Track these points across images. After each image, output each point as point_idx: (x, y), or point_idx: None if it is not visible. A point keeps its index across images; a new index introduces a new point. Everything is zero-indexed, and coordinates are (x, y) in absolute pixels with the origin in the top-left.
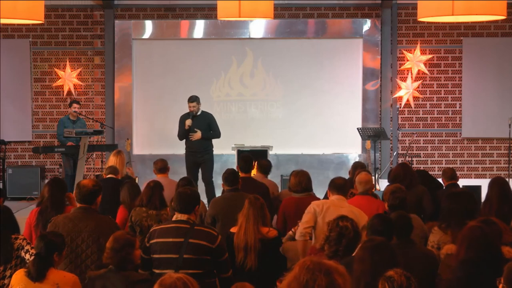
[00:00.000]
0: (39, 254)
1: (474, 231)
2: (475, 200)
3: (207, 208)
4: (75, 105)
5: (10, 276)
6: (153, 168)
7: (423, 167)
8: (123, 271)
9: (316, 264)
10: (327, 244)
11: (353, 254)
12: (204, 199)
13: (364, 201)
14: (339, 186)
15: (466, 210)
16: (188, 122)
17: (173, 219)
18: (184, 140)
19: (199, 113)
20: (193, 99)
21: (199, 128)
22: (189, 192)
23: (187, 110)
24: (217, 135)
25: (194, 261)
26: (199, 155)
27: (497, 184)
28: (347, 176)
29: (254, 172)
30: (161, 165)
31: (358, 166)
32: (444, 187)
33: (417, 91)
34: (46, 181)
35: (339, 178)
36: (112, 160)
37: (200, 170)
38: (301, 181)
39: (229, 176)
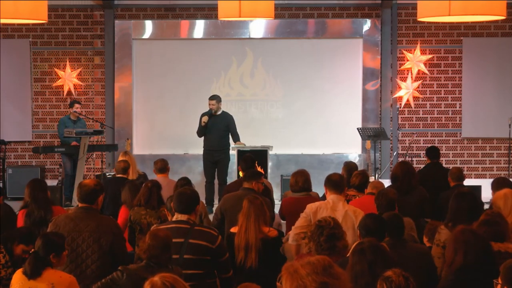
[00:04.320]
0: (36, 252)
1: (467, 235)
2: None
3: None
4: (77, 105)
5: None
6: (153, 168)
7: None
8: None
9: (316, 267)
10: (312, 241)
11: (348, 255)
12: (216, 198)
13: (372, 200)
14: (335, 184)
15: (473, 210)
16: (205, 118)
17: (173, 219)
18: (202, 139)
19: (219, 112)
20: (213, 97)
21: (217, 127)
22: (188, 192)
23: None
24: (238, 138)
25: (194, 261)
26: (216, 154)
27: (502, 185)
28: None
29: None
30: (161, 165)
31: (352, 167)
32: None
33: (417, 91)
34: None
35: (335, 174)
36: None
37: (216, 169)
38: (297, 181)
39: (247, 172)
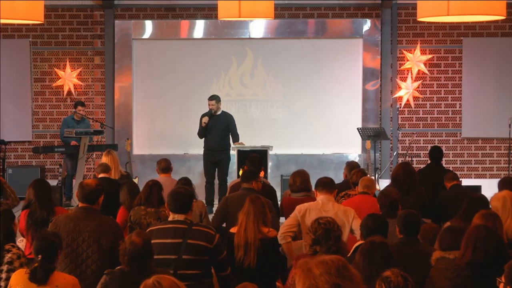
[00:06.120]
0: (44, 259)
1: (479, 231)
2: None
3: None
4: (80, 107)
5: None
6: (156, 167)
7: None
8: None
9: (330, 267)
10: (318, 245)
11: (348, 255)
12: (216, 198)
13: (365, 199)
14: (325, 184)
15: None
16: (205, 119)
17: (170, 219)
18: (203, 139)
19: (219, 112)
20: (213, 98)
21: (217, 127)
22: (183, 191)
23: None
24: (238, 138)
25: (193, 261)
26: (216, 154)
27: (508, 184)
28: (341, 177)
29: (262, 174)
30: (165, 164)
31: (354, 166)
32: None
33: (417, 91)
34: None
35: (324, 177)
36: (104, 160)
37: (216, 169)
38: (295, 180)
39: (244, 173)
